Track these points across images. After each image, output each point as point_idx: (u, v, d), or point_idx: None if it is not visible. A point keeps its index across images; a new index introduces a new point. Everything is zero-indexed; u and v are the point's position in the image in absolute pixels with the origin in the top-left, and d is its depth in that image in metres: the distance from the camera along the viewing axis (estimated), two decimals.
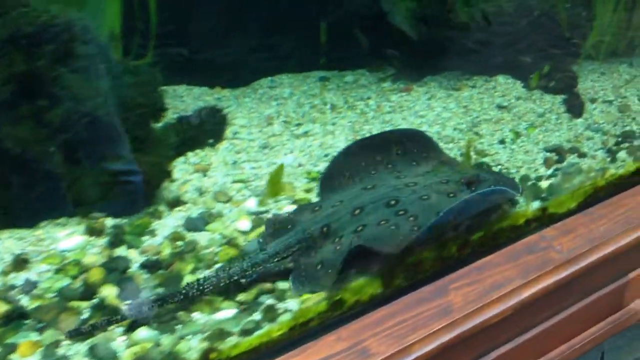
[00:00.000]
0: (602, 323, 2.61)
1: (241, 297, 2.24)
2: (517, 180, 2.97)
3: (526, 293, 2.24)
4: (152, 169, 2.83)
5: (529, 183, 3.02)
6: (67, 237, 2.52)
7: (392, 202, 2.48)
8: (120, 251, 2.47)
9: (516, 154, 3.33)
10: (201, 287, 2.19)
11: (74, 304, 2.19)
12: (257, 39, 4.17)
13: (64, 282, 2.28)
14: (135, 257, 2.43)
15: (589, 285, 2.52)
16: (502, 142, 3.46)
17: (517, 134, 3.54)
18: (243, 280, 2.27)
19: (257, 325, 2.10)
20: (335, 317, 2.13)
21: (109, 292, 2.24)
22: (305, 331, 2.06)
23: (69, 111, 2.52)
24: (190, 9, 3.88)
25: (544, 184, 2.98)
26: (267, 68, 4.29)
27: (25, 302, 2.18)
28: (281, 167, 2.98)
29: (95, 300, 2.21)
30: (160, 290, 2.25)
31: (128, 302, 2.19)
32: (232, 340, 2.04)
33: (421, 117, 3.72)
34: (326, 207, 2.59)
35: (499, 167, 3.19)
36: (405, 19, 3.92)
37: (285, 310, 2.17)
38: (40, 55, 2.47)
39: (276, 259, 2.34)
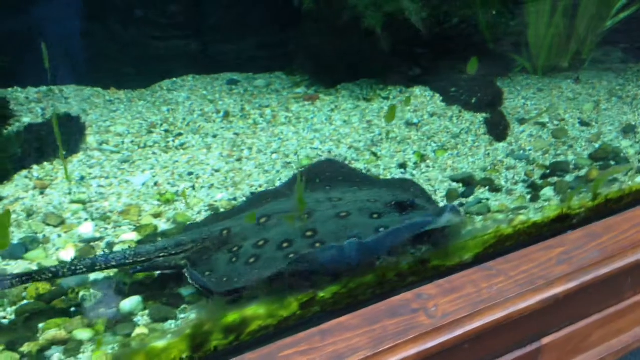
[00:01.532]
0: None
1: (26, 347, 1.93)
2: None
3: None
4: None
5: None
6: None
7: (304, 216, 2.27)
8: None
9: None
10: (73, 268, 2.09)
11: None
12: (171, 37, 3.88)
13: None
14: None
15: (480, 354, 2.10)
16: (402, 166, 2.98)
17: (422, 157, 3.05)
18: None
19: None
20: None
21: None
22: None
23: None
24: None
25: None
26: (174, 68, 3.96)
27: None
28: (7, 214, 1.99)
29: None
30: None
31: None
32: None
33: (316, 131, 3.28)
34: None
35: None
36: (421, 18, 3.40)
37: None
38: None
39: (163, 254, 2.21)
